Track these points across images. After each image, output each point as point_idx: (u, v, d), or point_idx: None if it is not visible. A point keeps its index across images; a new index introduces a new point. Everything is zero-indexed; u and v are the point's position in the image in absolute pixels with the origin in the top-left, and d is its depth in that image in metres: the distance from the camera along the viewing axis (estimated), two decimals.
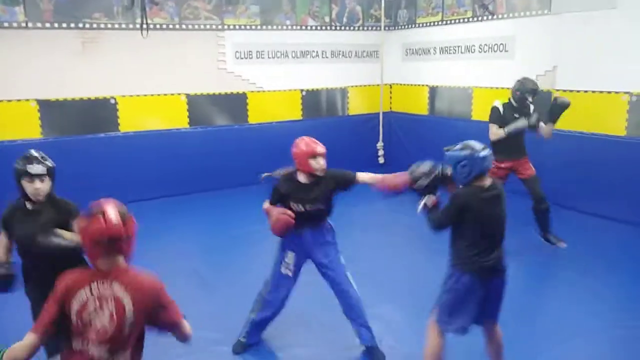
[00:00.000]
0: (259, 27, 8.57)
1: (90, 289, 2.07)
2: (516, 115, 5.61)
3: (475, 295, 3.00)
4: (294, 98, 9.21)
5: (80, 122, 7.54)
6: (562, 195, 7.09)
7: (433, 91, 9.32)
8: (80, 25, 7.27)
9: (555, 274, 5.35)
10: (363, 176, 3.70)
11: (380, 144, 9.35)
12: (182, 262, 5.64)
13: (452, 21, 8.71)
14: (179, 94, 8.16)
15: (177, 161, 8.11)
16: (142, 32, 5.78)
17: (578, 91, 6.88)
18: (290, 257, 3.74)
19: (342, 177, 3.70)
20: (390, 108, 10.21)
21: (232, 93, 8.57)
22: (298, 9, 8.89)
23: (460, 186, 3.05)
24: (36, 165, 2.99)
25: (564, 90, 7.02)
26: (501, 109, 5.63)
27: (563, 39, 6.96)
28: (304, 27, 9.00)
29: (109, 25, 7.43)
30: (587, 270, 5.17)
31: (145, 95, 7.92)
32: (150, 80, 7.86)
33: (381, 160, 9.34)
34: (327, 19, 9.21)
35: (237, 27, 8.38)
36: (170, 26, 7.87)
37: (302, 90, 9.24)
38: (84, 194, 7.34)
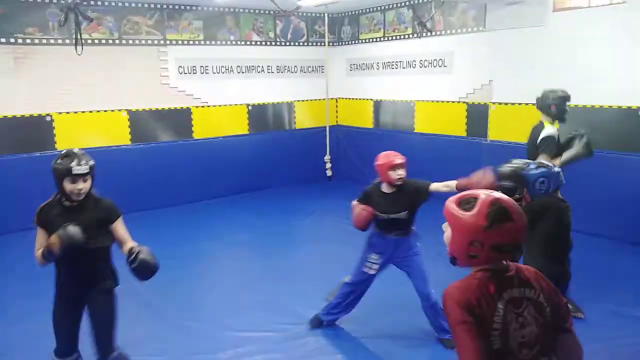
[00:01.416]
0: (202, 42, 8.50)
1: (505, 299, 1.65)
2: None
3: None
4: (240, 113, 9.16)
5: (13, 140, 7.18)
6: None
7: (377, 105, 9.53)
8: (12, 40, 6.97)
9: None
10: (436, 185, 3.90)
11: (327, 157, 9.43)
12: (123, 284, 5.42)
13: (394, 37, 8.96)
14: (120, 110, 7.94)
15: (119, 179, 7.81)
16: (76, 48, 5.59)
17: (512, 104, 7.21)
18: (374, 258, 4.07)
19: (419, 187, 3.97)
20: (337, 122, 10.35)
21: (175, 108, 8.42)
22: (242, 24, 8.89)
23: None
24: (80, 166, 2.88)
25: (500, 103, 7.35)
26: (557, 137, 4.71)
27: (498, 55, 7.30)
28: (248, 43, 9.00)
29: (44, 41, 7.15)
30: None
31: (83, 112, 7.65)
32: (89, 96, 7.61)
33: (329, 173, 9.41)
34: (271, 35, 9.26)
35: (179, 42, 8.27)
36: (110, 41, 7.67)
37: (248, 105, 9.21)
38: (18, 215, 7.03)
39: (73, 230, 2.79)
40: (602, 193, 6.35)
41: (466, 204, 1.68)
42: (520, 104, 7.13)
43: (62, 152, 2.98)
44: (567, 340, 1.77)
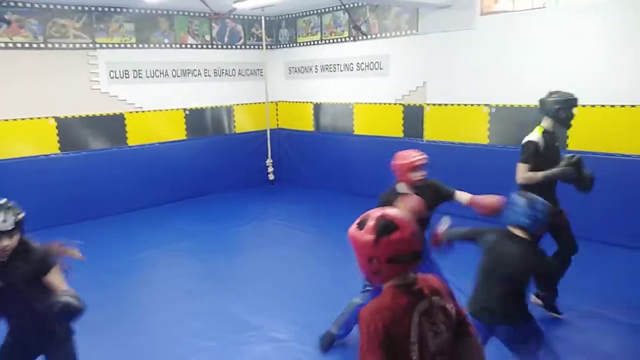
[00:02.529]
0: (134, 45, 8.22)
1: (418, 312, 1.68)
2: (557, 144, 4.45)
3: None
4: (177, 117, 8.93)
5: None
6: None
7: (317, 108, 9.58)
8: None
9: None
10: (461, 195, 3.84)
11: (269, 161, 9.37)
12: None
13: (331, 40, 9.05)
14: (47, 117, 7.53)
15: (49, 190, 7.44)
16: None
17: (446, 104, 7.47)
18: None
19: (441, 190, 3.86)
20: (278, 125, 10.32)
21: (107, 114, 8.09)
22: (176, 27, 8.67)
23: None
24: (5, 222, 2.47)
25: (434, 104, 7.59)
26: (540, 143, 4.30)
27: (431, 57, 7.54)
28: (183, 46, 8.80)
29: None
30: None
31: (6, 120, 7.19)
32: (12, 103, 7.17)
33: (271, 176, 9.36)
34: (207, 38, 9.10)
35: (110, 45, 7.96)
36: (34, 45, 7.26)
37: (185, 110, 9.00)
38: None
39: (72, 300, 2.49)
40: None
41: (361, 224, 1.74)
42: (453, 104, 7.39)
43: None
44: (469, 343, 1.85)
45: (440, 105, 7.54)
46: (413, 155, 3.79)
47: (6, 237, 2.52)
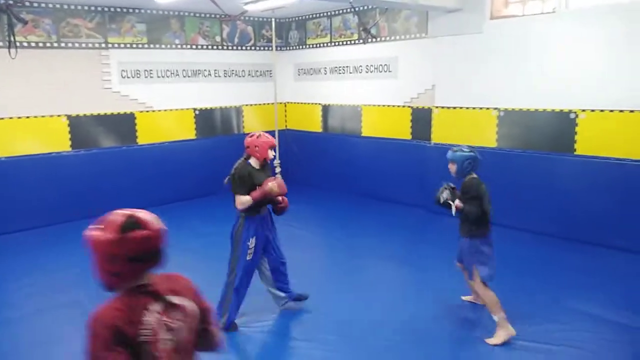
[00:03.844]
0: (146, 45, 8.31)
1: (154, 311, 1.69)
2: None
3: (489, 248, 4.18)
4: (187, 117, 9.01)
5: None
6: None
7: (326, 109, 9.63)
8: None
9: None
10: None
11: (277, 162, 9.41)
12: (63, 294, 5.23)
13: (340, 43, 9.09)
14: (59, 115, 7.63)
15: (59, 187, 7.55)
16: (9, 51, 5.34)
17: (454, 108, 7.48)
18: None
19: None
20: (286, 126, 10.37)
21: (118, 113, 8.18)
22: (187, 28, 8.76)
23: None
24: None
25: (442, 107, 7.61)
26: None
27: (440, 60, 7.56)
28: (194, 47, 8.88)
29: None
30: None
31: (19, 117, 7.30)
32: (26, 101, 7.27)
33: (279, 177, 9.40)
34: (218, 39, 9.18)
35: (122, 45, 8.06)
36: (48, 44, 7.37)
37: (195, 110, 9.08)
38: None
39: None
40: (537, 191, 6.69)
41: (101, 224, 1.72)
42: (461, 107, 7.41)
43: None
44: (210, 337, 1.91)
45: (448, 108, 7.55)
46: (270, 136, 4.29)
47: None
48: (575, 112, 6.29)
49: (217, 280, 5.53)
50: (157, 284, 1.74)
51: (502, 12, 6.94)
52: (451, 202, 4.16)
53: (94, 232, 1.70)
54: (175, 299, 1.76)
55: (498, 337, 4.05)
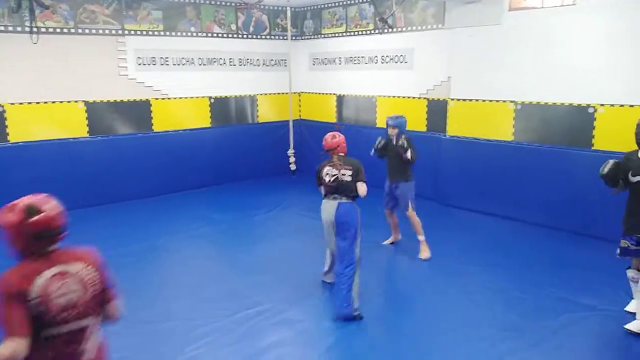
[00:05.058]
0: (162, 32, 8.33)
1: (46, 276, 2.08)
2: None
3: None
4: (202, 105, 9.04)
5: None
6: (457, 197, 7.62)
7: (340, 99, 9.60)
8: None
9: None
10: None
11: (291, 151, 9.42)
12: None
13: (356, 33, 9.04)
14: (77, 101, 7.70)
15: (76, 172, 7.64)
16: (31, 37, 5.38)
17: (470, 100, 7.42)
18: None
19: None
20: (300, 116, 10.37)
21: (134, 100, 8.24)
22: (203, 15, 8.76)
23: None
24: None
25: (458, 99, 7.55)
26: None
27: (456, 52, 7.48)
28: (209, 34, 8.89)
29: None
30: (487, 263, 5.58)
31: (38, 102, 7.38)
32: (43, 86, 7.35)
33: (292, 167, 9.42)
34: (233, 27, 9.17)
35: (138, 32, 8.09)
36: (65, 30, 7.42)
37: (210, 98, 9.10)
38: None
39: None
40: (553, 185, 6.63)
41: (9, 210, 2.12)
42: (477, 100, 7.34)
43: None
44: (110, 306, 2.32)
45: (464, 100, 7.49)
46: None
47: None
48: (593, 107, 6.20)
49: (231, 266, 5.62)
50: (55, 255, 2.16)
51: (522, 4, 6.83)
52: (407, 149, 5.60)
53: (5, 217, 2.11)
54: (68, 267, 2.15)
55: (424, 252, 5.67)
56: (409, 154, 5.58)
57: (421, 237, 5.70)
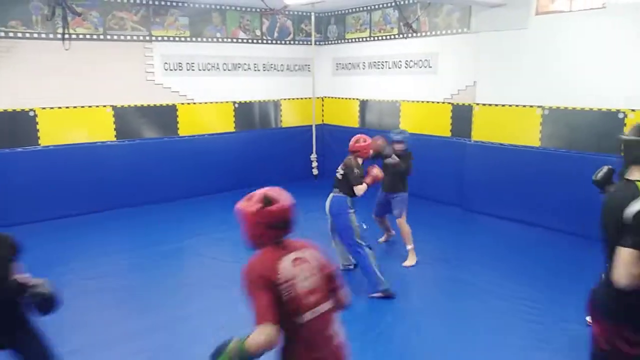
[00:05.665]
0: (188, 38, 8.46)
1: (287, 261, 2.15)
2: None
3: None
4: (227, 110, 9.14)
5: None
6: (482, 202, 7.52)
7: (363, 104, 9.59)
8: None
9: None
10: None
11: (314, 156, 9.45)
12: (109, 279, 5.42)
13: (380, 37, 9.03)
14: (105, 106, 7.87)
15: (104, 175, 7.80)
16: (63, 43, 5.53)
17: (496, 105, 7.33)
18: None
19: None
20: (323, 120, 10.39)
21: (161, 105, 8.38)
22: (228, 21, 8.87)
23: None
24: None
25: (483, 104, 7.47)
26: None
27: (482, 56, 7.41)
28: (235, 40, 8.99)
29: (27, 35, 7.06)
30: (507, 272, 5.49)
31: (67, 107, 7.57)
32: (73, 91, 7.53)
33: (315, 171, 9.44)
34: (258, 33, 9.26)
35: (165, 38, 8.23)
36: (95, 36, 7.60)
37: (234, 103, 9.20)
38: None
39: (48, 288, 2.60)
40: (580, 193, 6.49)
41: (248, 200, 2.23)
42: (503, 105, 7.25)
43: None
44: (336, 294, 2.32)
45: (490, 105, 7.41)
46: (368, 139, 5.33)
47: None
48: (623, 112, 6.07)
49: None
50: (288, 244, 2.23)
51: (549, 8, 6.74)
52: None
53: (243, 204, 2.23)
54: (302, 254, 2.22)
55: (410, 260, 5.72)
56: (402, 170, 5.77)
57: (409, 247, 5.79)
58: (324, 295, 2.22)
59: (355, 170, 5.07)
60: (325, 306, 2.21)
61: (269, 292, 2.05)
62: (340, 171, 5.17)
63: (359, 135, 5.34)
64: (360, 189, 5.05)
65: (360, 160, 5.22)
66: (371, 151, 5.31)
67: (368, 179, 5.14)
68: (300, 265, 2.17)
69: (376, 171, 5.23)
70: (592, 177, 4.24)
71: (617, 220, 2.27)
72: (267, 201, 2.18)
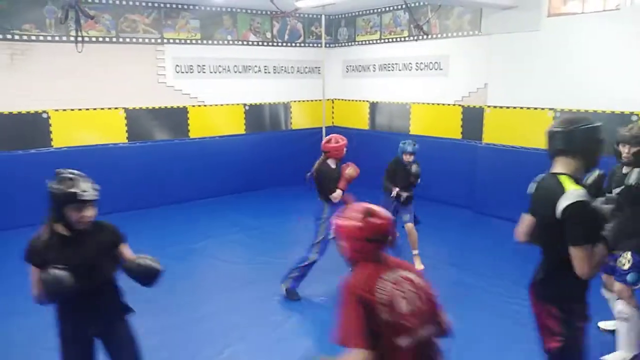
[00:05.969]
0: (199, 41, 8.51)
1: (387, 279, 2.06)
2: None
3: None
4: (237, 112, 9.18)
5: (8, 137, 7.16)
6: (494, 205, 7.48)
7: (373, 106, 9.59)
8: (9, 36, 6.95)
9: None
10: None
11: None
12: (121, 280, 5.43)
13: (390, 40, 9.03)
14: (117, 108, 7.94)
15: (115, 177, 7.84)
16: (76, 46, 5.59)
17: (507, 107, 7.29)
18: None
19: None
20: (333, 123, 10.40)
21: (172, 107, 8.43)
22: (239, 24, 8.91)
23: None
24: (88, 191, 2.54)
25: (495, 107, 7.43)
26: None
27: (493, 58, 7.38)
28: (245, 43, 9.03)
29: (41, 38, 7.15)
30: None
31: (80, 109, 7.64)
32: (85, 94, 7.61)
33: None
34: (268, 35, 9.29)
35: (177, 41, 8.29)
36: (107, 39, 7.67)
37: (245, 105, 9.23)
38: (12, 213, 7.00)
39: (60, 274, 2.40)
40: None
41: (347, 213, 2.17)
42: (515, 107, 7.22)
43: (59, 175, 2.64)
44: (441, 316, 2.21)
45: (501, 107, 7.37)
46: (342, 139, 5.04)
47: (91, 206, 2.59)
48: (637, 115, 6.01)
49: (266, 270, 5.66)
50: (387, 260, 2.15)
51: (561, 10, 6.70)
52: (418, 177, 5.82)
53: (342, 221, 2.17)
54: (402, 273, 2.12)
55: (417, 266, 5.54)
56: (418, 180, 5.79)
57: (415, 252, 5.72)
58: (425, 319, 2.08)
59: (327, 177, 4.79)
60: (426, 331, 2.07)
61: (364, 314, 1.94)
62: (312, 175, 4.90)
63: (332, 135, 5.06)
64: (335, 197, 4.75)
65: (333, 162, 4.92)
66: (344, 151, 4.96)
67: (341, 183, 4.80)
68: (401, 286, 2.06)
69: (349, 171, 4.84)
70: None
71: (543, 216, 2.47)
72: (368, 214, 2.12)
